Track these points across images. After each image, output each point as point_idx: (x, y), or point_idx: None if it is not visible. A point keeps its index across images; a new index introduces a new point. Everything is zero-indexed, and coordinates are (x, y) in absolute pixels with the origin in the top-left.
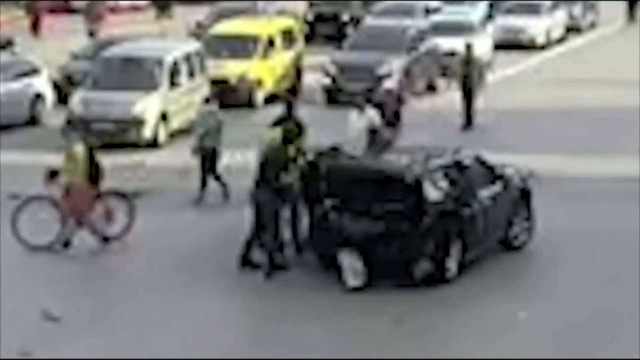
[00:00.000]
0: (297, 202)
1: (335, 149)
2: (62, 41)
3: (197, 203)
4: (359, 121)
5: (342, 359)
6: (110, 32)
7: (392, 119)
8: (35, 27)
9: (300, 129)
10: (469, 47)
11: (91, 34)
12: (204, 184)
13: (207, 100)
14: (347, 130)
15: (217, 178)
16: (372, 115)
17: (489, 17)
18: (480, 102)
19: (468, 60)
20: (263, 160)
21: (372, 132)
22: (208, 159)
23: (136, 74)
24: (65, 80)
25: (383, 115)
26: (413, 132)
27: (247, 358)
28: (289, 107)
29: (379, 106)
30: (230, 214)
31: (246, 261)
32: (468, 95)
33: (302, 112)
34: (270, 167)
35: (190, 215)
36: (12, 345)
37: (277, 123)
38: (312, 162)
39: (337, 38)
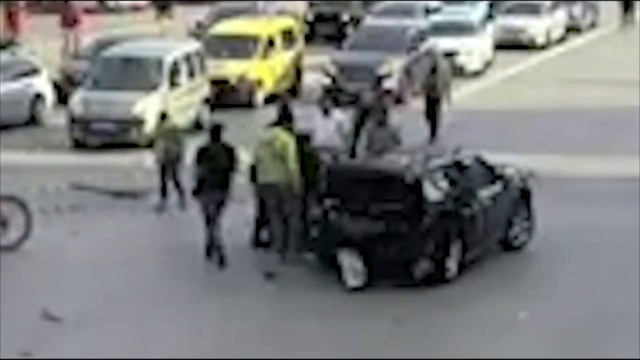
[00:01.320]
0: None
1: (305, 137)
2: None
3: (159, 210)
4: (326, 123)
5: (342, 359)
6: (91, 36)
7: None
8: (12, 26)
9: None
10: (433, 56)
11: (67, 39)
12: (164, 191)
13: (207, 101)
14: (312, 127)
15: (177, 184)
16: (340, 118)
17: (489, 17)
18: (445, 111)
19: (434, 69)
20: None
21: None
22: (170, 165)
23: (136, 74)
24: (65, 80)
25: (362, 119)
26: (411, 132)
27: (246, 358)
28: (284, 108)
29: (366, 111)
30: (228, 212)
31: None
32: (433, 105)
33: (302, 112)
34: (216, 168)
35: (189, 214)
36: (12, 345)
37: (274, 124)
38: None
39: (337, 38)
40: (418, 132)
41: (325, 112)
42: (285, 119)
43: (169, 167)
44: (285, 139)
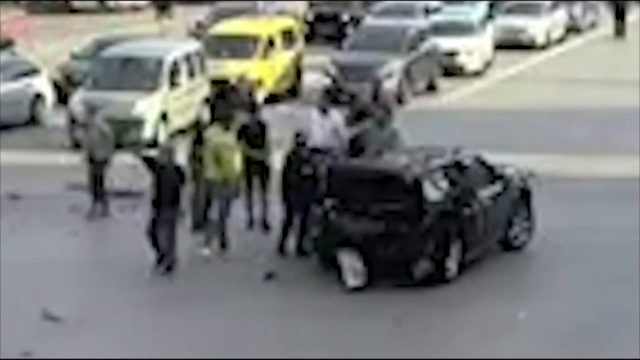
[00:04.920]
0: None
1: (298, 137)
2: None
3: (90, 217)
4: (324, 123)
5: (342, 359)
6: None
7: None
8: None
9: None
10: (377, 82)
11: (13, 53)
12: (97, 196)
13: (207, 100)
14: (309, 129)
15: (102, 192)
16: (337, 118)
17: (489, 17)
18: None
19: (376, 96)
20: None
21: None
22: (99, 171)
23: (136, 74)
24: (65, 80)
25: (358, 120)
26: (412, 132)
27: (246, 357)
28: (253, 110)
29: (361, 113)
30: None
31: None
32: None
33: (302, 113)
34: None
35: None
36: (12, 345)
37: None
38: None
39: (337, 38)
40: (419, 132)
41: (324, 111)
42: (221, 119)
43: (97, 170)
44: (220, 140)
